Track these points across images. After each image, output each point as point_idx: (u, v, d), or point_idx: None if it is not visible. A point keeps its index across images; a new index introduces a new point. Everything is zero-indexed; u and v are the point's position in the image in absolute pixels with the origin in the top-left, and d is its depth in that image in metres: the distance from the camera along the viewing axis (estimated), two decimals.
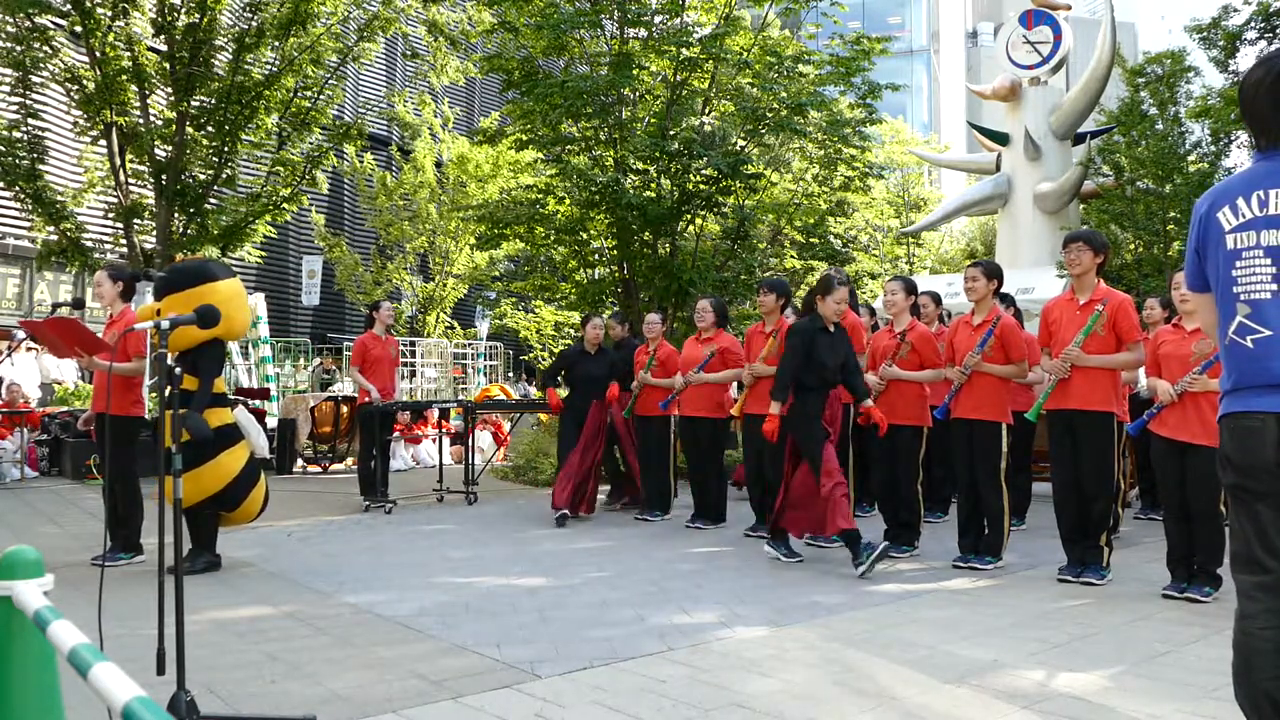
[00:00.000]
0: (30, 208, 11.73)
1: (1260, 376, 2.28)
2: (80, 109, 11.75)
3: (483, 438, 12.55)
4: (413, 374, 16.77)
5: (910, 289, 6.10)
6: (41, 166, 11.88)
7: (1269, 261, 2.28)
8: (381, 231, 20.67)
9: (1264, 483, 2.26)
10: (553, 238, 12.03)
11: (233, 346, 12.75)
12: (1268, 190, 2.30)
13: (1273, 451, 2.23)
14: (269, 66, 12.34)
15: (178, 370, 2.87)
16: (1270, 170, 2.32)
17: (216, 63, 12.32)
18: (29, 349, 12.92)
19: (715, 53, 11.08)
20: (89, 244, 12.46)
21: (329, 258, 20.03)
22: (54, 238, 11.93)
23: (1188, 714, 3.07)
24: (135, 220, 12.02)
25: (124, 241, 12.30)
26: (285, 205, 12.90)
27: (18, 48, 11.39)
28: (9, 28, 11.38)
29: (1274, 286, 2.27)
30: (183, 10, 11.74)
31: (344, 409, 11.41)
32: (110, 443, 5.49)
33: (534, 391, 21.50)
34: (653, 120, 11.78)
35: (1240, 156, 13.50)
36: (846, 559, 5.83)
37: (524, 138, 12.08)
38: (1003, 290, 5.87)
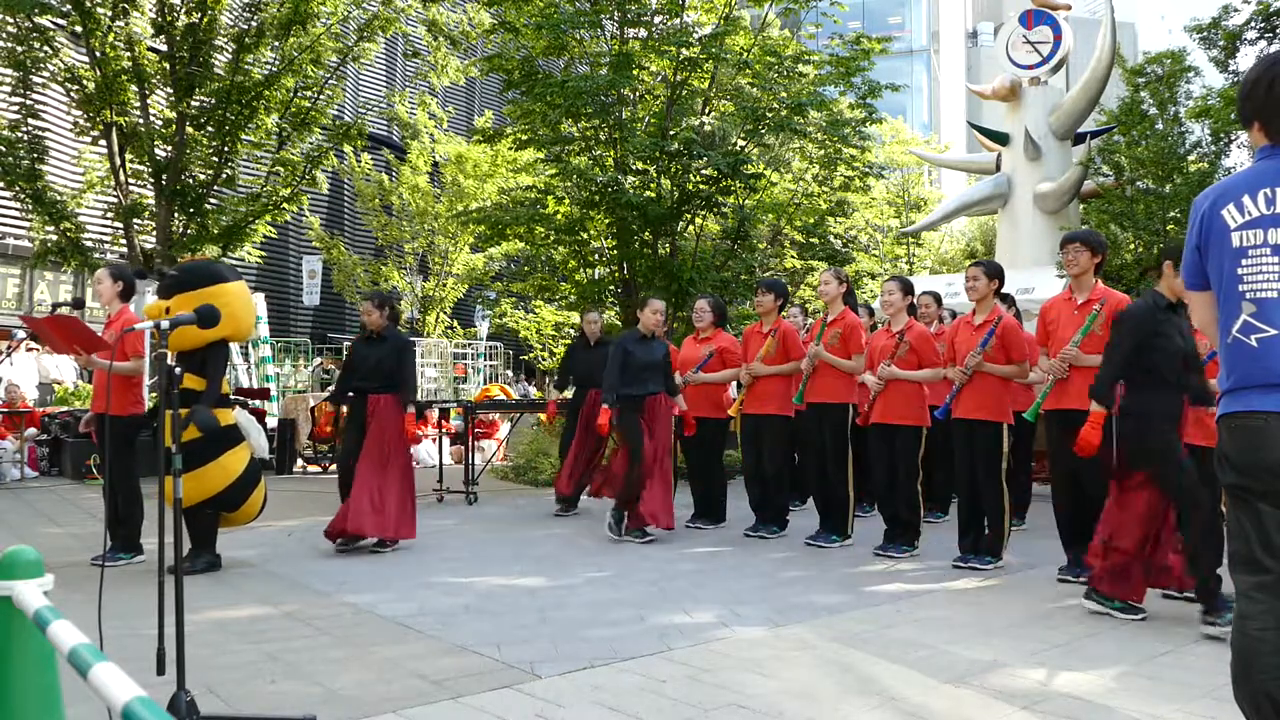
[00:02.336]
0: (30, 208, 11.73)
1: (1264, 376, 2.26)
2: (80, 109, 11.75)
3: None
4: None
5: (907, 289, 6.10)
6: (41, 166, 11.87)
7: (1276, 260, 2.26)
8: (379, 233, 20.69)
9: (1266, 482, 2.24)
10: (553, 238, 12.03)
11: (233, 347, 12.76)
12: (1274, 188, 2.28)
13: (1276, 451, 2.22)
14: (269, 66, 12.34)
15: (178, 370, 2.87)
16: (1276, 168, 2.31)
17: (216, 63, 12.32)
18: (29, 349, 12.92)
19: (715, 53, 11.08)
20: (89, 244, 12.45)
21: (327, 259, 20.06)
22: (53, 237, 11.93)
23: (1188, 714, 3.07)
24: (135, 220, 12.01)
25: (124, 241, 12.30)
26: (285, 205, 12.90)
27: (18, 48, 11.38)
28: (9, 28, 11.37)
29: None
30: (183, 10, 11.74)
31: (344, 409, 11.40)
32: (111, 443, 5.50)
33: (534, 391, 21.53)
34: (653, 120, 11.78)
35: (1240, 156, 13.49)
36: (846, 558, 5.84)
37: (524, 137, 12.09)
38: (1003, 290, 5.87)
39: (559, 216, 11.98)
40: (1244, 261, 2.32)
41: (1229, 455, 2.32)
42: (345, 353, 6.12)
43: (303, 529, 6.91)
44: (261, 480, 5.59)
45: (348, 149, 17.27)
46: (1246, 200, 2.32)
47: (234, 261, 14.53)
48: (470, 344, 20.00)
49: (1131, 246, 13.92)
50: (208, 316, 3.28)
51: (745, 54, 11.58)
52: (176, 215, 11.93)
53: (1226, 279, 2.36)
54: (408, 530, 6.03)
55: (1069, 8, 16.91)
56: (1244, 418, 2.29)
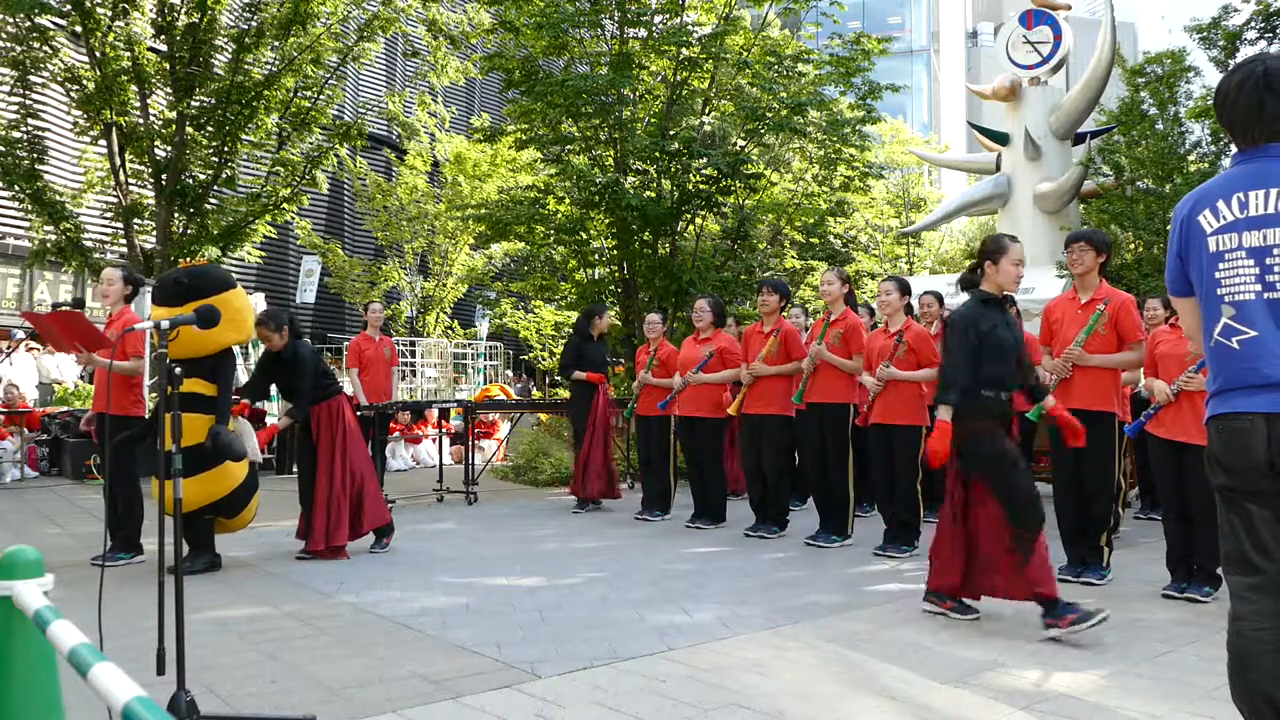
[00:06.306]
0: (30, 208, 11.73)
1: (1247, 377, 2.29)
2: (80, 109, 11.74)
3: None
4: (413, 374, 16.78)
5: (904, 289, 6.10)
6: (41, 167, 11.87)
7: (1252, 262, 2.29)
8: (379, 233, 20.68)
9: (1254, 483, 2.27)
10: (553, 238, 12.03)
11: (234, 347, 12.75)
12: (1247, 192, 2.31)
13: (1262, 452, 2.24)
14: (269, 66, 12.34)
15: (179, 372, 2.88)
16: (1249, 172, 2.34)
17: (216, 63, 12.31)
18: (29, 349, 12.92)
19: (715, 52, 11.08)
20: (89, 244, 12.45)
21: (324, 261, 20.07)
22: (52, 237, 11.93)
23: (1187, 714, 3.07)
24: (135, 220, 12.01)
25: (124, 241, 12.30)
26: (285, 205, 12.89)
27: (18, 48, 11.38)
28: (9, 28, 11.37)
29: (1258, 287, 2.28)
30: (183, 10, 11.73)
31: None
32: (110, 443, 5.52)
33: (534, 391, 21.52)
34: (653, 120, 11.78)
35: None
36: (846, 558, 5.85)
37: (524, 137, 12.09)
38: None
39: (559, 216, 11.98)
40: (1221, 265, 2.35)
41: (1218, 457, 2.35)
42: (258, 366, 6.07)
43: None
44: (258, 487, 5.63)
45: (343, 151, 17.28)
46: (1221, 205, 2.36)
47: (234, 261, 14.54)
48: (470, 344, 19.99)
49: (1131, 246, 13.92)
50: (207, 316, 3.29)
51: (745, 54, 11.58)
52: (176, 215, 11.93)
53: (1206, 283, 2.39)
54: (375, 519, 5.91)
55: (1069, 8, 16.92)
56: (1231, 419, 2.32)
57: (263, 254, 15.53)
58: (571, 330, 8.53)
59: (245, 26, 12.17)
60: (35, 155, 11.72)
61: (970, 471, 4.26)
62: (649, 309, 10.16)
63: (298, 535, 5.88)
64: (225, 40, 12.23)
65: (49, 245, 12.00)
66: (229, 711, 3.08)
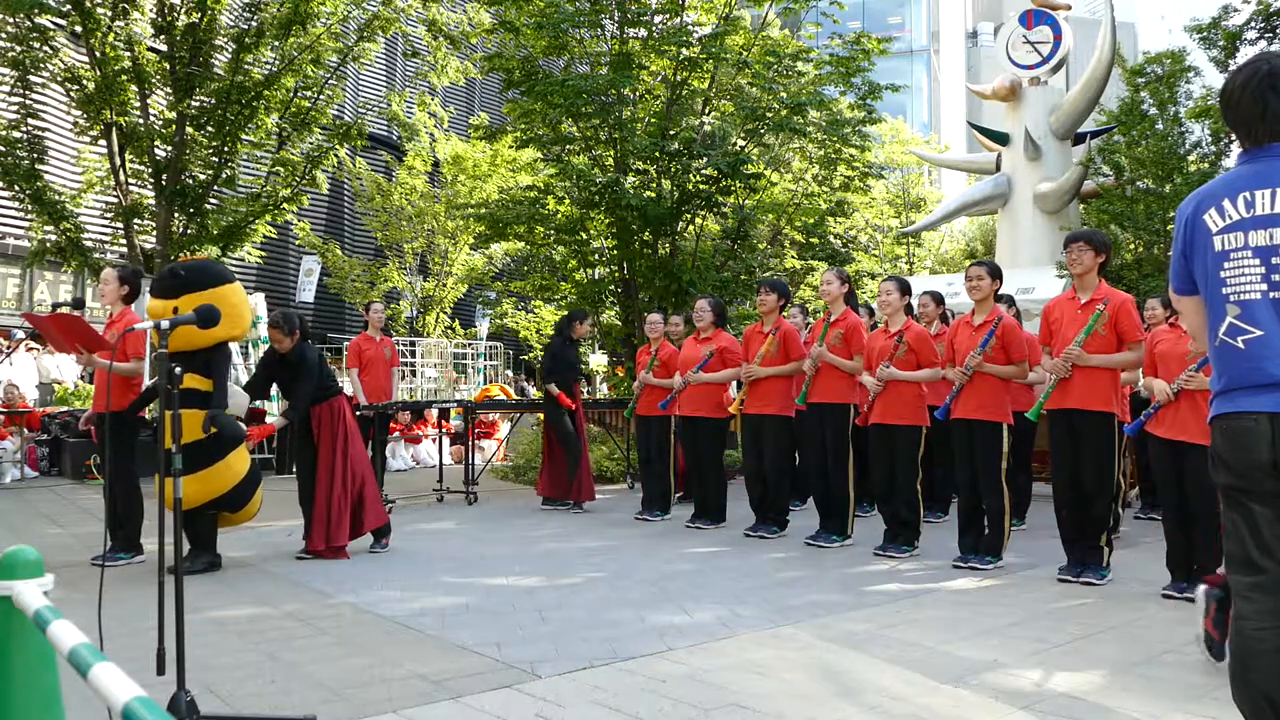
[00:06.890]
0: (30, 208, 11.73)
1: (1252, 377, 2.28)
2: (80, 109, 11.73)
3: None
4: (413, 374, 16.77)
5: (904, 289, 6.10)
6: (41, 167, 11.86)
7: (1258, 262, 2.29)
8: (379, 233, 20.68)
9: (1258, 482, 2.26)
10: (553, 238, 12.04)
11: (233, 346, 12.75)
12: (1253, 191, 2.32)
13: (1266, 451, 2.24)
14: (269, 66, 12.33)
15: (178, 369, 2.88)
16: (1255, 171, 2.34)
17: (216, 63, 12.31)
18: (29, 349, 12.92)
19: (715, 52, 11.08)
20: (89, 244, 12.45)
21: (325, 262, 20.08)
22: (51, 237, 11.92)
23: (1188, 714, 3.07)
24: (135, 220, 12.01)
25: (124, 241, 12.29)
26: (285, 205, 12.89)
27: (18, 48, 11.38)
28: (9, 28, 11.36)
29: (1263, 287, 2.28)
30: (183, 10, 11.73)
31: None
32: (110, 443, 5.53)
33: (533, 391, 21.51)
34: (653, 120, 11.78)
35: None
36: (846, 558, 5.85)
37: (524, 137, 12.09)
38: (1002, 290, 5.87)
39: (559, 216, 11.98)
40: (1226, 265, 2.35)
41: (1222, 456, 2.35)
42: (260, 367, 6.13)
43: (302, 529, 6.90)
44: (260, 480, 5.64)
45: (343, 151, 17.30)
46: (1227, 204, 2.36)
47: (234, 261, 14.53)
48: (470, 344, 20.00)
49: (1132, 246, 13.91)
50: (207, 316, 3.29)
51: (745, 54, 11.58)
52: (176, 215, 11.92)
53: (1211, 283, 2.39)
54: (375, 519, 5.92)
55: (1069, 8, 16.90)
56: (1235, 419, 2.31)
57: (263, 254, 15.52)
58: (554, 333, 8.50)
59: (245, 26, 12.15)
60: (35, 155, 11.71)
61: None
62: (649, 309, 10.16)
63: (304, 537, 5.87)
64: (225, 40, 12.21)
65: (49, 245, 11.98)
66: (229, 711, 3.09)
